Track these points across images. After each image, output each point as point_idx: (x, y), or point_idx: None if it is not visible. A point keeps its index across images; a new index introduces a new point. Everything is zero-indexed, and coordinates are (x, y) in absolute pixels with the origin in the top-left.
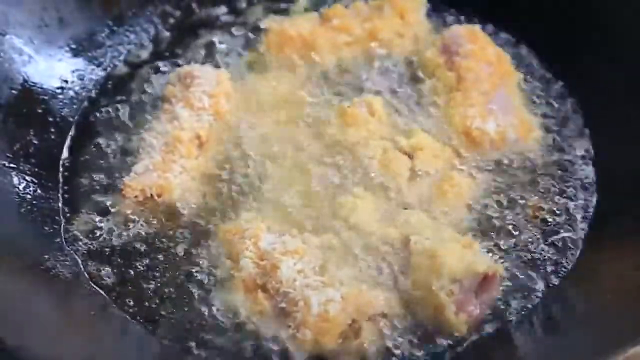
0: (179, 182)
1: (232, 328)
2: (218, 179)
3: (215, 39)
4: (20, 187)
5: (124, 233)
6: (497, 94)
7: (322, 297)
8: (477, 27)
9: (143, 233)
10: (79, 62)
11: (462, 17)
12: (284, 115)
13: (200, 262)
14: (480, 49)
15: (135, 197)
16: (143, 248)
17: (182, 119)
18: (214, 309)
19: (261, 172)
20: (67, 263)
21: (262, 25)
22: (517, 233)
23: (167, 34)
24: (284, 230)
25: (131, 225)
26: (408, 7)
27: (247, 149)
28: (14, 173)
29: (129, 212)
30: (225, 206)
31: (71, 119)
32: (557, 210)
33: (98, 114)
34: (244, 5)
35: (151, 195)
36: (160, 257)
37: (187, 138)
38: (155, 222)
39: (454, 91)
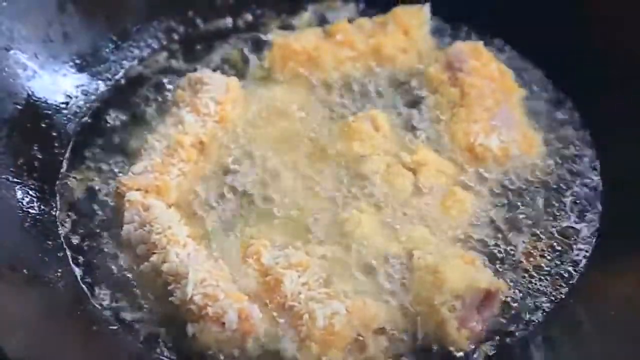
0: (176, 185)
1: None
2: (219, 188)
3: (219, 53)
4: (24, 202)
5: (127, 249)
6: (500, 110)
7: (328, 310)
8: (480, 44)
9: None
10: (83, 77)
11: (466, 33)
12: (288, 128)
13: None
14: (484, 66)
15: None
16: (144, 264)
17: (187, 124)
18: None
19: (264, 184)
20: (68, 278)
21: (267, 39)
22: (520, 249)
23: (171, 48)
24: (287, 242)
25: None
26: (412, 23)
27: (250, 160)
28: (18, 187)
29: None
30: (228, 219)
31: (75, 134)
32: (561, 226)
33: (102, 128)
34: (249, 19)
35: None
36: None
37: (189, 142)
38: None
39: (457, 107)
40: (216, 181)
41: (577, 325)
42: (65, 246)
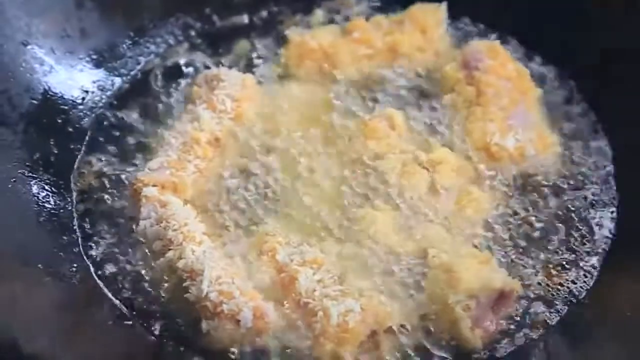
0: (192, 182)
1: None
2: (234, 185)
3: (236, 50)
4: (40, 197)
5: (142, 244)
6: (516, 110)
7: (342, 308)
8: (496, 43)
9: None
10: (100, 73)
11: (482, 32)
12: (304, 126)
13: None
14: (500, 65)
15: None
16: (159, 260)
17: (203, 121)
18: None
19: (279, 181)
20: (83, 273)
21: (284, 36)
22: (534, 250)
23: (187, 44)
24: (302, 240)
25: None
26: (428, 22)
27: (266, 157)
28: (33, 182)
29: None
30: (243, 216)
31: (91, 129)
32: (576, 226)
33: (118, 124)
34: (265, 16)
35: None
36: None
37: (205, 139)
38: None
39: (473, 106)
40: (231, 178)
41: (591, 327)
42: (80, 241)
